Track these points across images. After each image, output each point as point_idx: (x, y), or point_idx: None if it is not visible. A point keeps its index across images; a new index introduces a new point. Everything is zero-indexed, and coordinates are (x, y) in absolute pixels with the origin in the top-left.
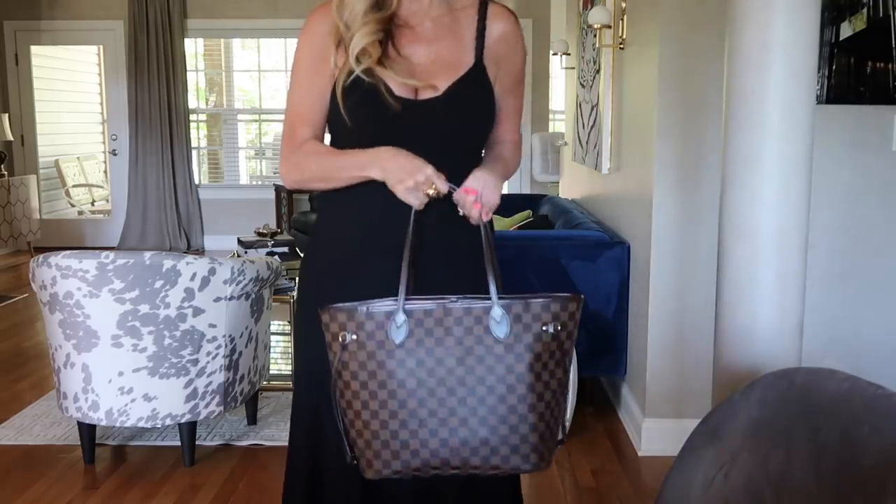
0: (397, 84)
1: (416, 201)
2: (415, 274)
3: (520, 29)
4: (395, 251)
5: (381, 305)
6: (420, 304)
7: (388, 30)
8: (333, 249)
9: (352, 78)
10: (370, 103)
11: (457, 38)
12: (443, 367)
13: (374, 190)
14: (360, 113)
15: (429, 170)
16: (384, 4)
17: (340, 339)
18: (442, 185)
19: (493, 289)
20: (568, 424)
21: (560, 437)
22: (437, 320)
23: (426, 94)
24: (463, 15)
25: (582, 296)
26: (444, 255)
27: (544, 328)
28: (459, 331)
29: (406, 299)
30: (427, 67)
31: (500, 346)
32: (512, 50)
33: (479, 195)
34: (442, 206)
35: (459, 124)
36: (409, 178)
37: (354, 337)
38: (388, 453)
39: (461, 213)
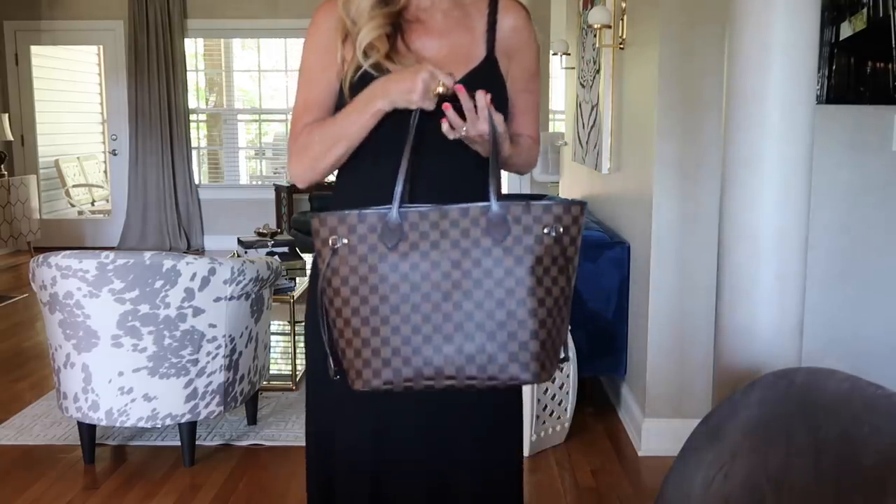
0: None
1: (431, 105)
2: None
3: (531, 23)
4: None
5: (374, 210)
6: (415, 208)
7: (397, 24)
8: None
9: (360, 73)
10: None
11: (468, 32)
12: (438, 270)
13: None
14: None
15: (425, 71)
16: (391, 0)
17: (331, 243)
18: (446, 79)
19: (491, 189)
20: (567, 425)
21: (563, 354)
22: (433, 223)
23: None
24: (473, 9)
25: (585, 203)
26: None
27: (546, 230)
28: (455, 233)
29: (401, 206)
30: (438, 61)
31: (498, 249)
32: (524, 43)
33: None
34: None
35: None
36: (414, 85)
37: (345, 241)
38: (378, 361)
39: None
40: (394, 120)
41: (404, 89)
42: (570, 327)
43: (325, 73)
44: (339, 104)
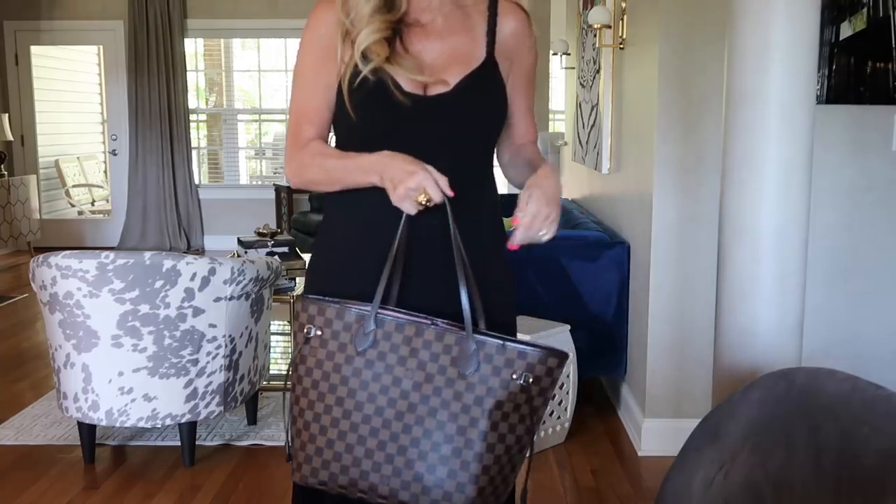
0: (406, 80)
1: (410, 209)
2: (405, 282)
3: (531, 27)
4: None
5: (355, 308)
6: (394, 316)
7: (397, 27)
8: (336, 251)
9: (360, 77)
10: (378, 100)
11: (468, 34)
12: (398, 387)
13: (376, 192)
14: (368, 110)
15: (419, 176)
16: (392, 6)
17: (305, 331)
18: (434, 193)
19: (468, 320)
20: (567, 425)
21: (522, 502)
22: (406, 338)
23: (436, 90)
24: (474, 11)
25: (569, 355)
26: (440, 270)
27: (514, 376)
28: (425, 355)
29: (383, 308)
30: (438, 63)
31: (462, 383)
32: (524, 46)
33: (531, 220)
34: (442, 218)
35: (470, 120)
36: (401, 184)
37: (319, 333)
38: (318, 461)
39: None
40: (393, 141)
41: (392, 185)
42: (572, 341)
43: (323, 74)
44: (337, 104)
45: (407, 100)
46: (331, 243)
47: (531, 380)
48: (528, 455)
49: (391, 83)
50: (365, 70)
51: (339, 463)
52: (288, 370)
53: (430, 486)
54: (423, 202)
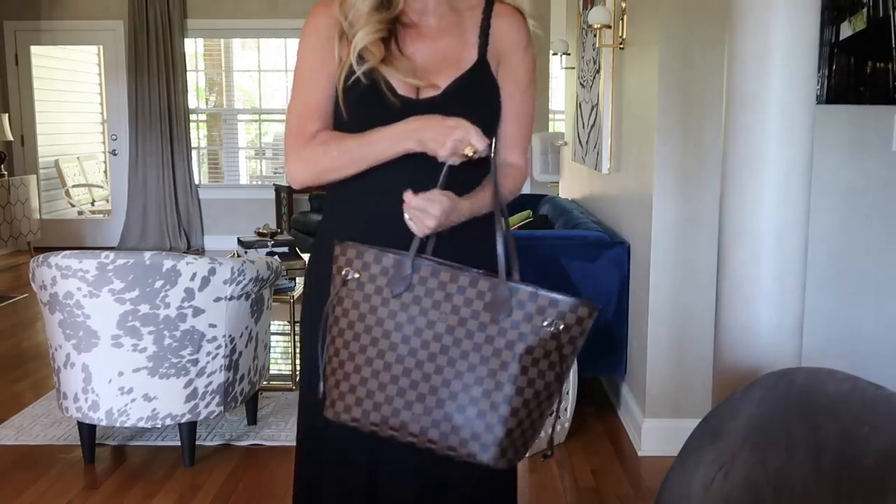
0: (399, 82)
1: (456, 162)
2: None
3: (527, 29)
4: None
5: (392, 253)
6: (430, 261)
7: (393, 29)
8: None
9: (354, 77)
10: (370, 101)
11: (461, 37)
12: (431, 330)
13: (374, 191)
14: (359, 111)
15: (462, 129)
16: (389, 5)
17: (343, 273)
18: (479, 143)
19: (502, 267)
20: (567, 425)
21: (548, 451)
22: (441, 283)
23: (428, 93)
24: (468, 14)
25: (599, 306)
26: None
27: (545, 323)
28: (459, 300)
29: (419, 255)
30: (430, 66)
31: (494, 328)
32: (519, 48)
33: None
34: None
35: None
36: (448, 139)
37: (356, 275)
38: (352, 398)
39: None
40: None
41: (437, 143)
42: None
43: (322, 73)
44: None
45: (398, 102)
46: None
47: (562, 327)
48: (555, 406)
49: (384, 85)
50: (359, 71)
51: (372, 400)
52: (325, 312)
53: (460, 426)
54: (470, 154)
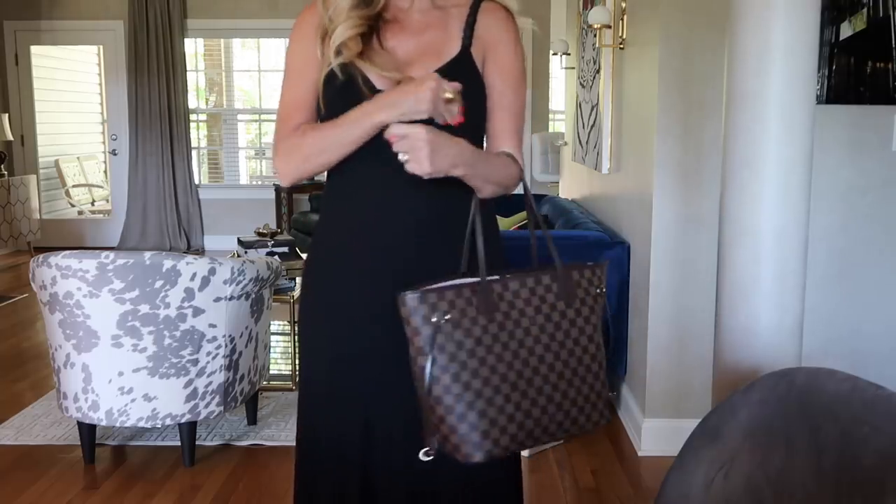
0: (377, 77)
1: (447, 113)
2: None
3: (514, 24)
4: (386, 253)
5: (462, 282)
6: (496, 277)
7: (374, 25)
8: (330, 252)
9: (330, 69)
10: (346, 96)
11: (443, 30)
12: (529, 335)
13: (365, 189)
14: (336, 105)
15: (428, 80)
16: (370, 1)
17: (434, 320)
18: (450, 84)
19: (556, 257)
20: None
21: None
22: (515, 292)
23: None
24: (455, 11)
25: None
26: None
27: (598, 291)
28: (536, 300)
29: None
30: (411, 60)
31: (571, 311)
32: (505, 42)
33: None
34: (437, 202)
35: None
36: (424, 94)
37: (448, 316)
38: (496, 431)
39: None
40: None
41: (416, 100)
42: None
43: (308, 70)
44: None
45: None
46: (323, 245)
47: (605, 288)
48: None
49: (361, 80)
50: (334, 63)
51: (514, 423)
52: (421, 367)
53: (583, 404)
54: (451, 96)
